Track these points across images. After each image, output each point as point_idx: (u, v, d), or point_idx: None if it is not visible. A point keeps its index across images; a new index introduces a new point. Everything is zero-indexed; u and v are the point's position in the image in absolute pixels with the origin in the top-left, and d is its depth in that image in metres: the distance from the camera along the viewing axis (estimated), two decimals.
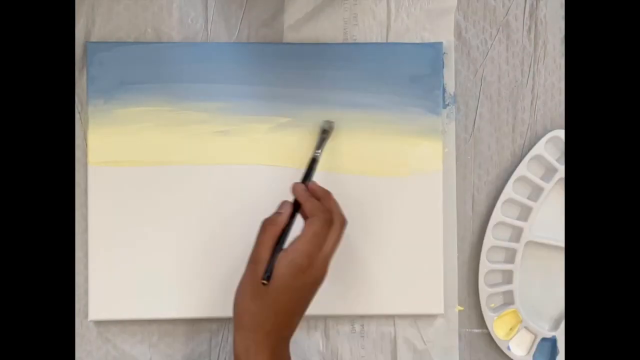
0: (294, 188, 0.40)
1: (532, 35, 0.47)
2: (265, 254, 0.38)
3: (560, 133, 0.46)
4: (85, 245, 0.44)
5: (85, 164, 0.45)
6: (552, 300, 0.46)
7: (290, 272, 0.37)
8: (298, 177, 0.43)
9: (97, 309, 0.44)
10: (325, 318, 0.46)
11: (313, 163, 0.43)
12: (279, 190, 0.45)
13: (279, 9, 0.46)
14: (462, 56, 0.47)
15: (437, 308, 0.46)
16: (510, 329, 0.46)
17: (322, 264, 0.38)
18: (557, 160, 0.46)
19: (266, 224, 0.39)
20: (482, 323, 0.46)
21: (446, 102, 0.46)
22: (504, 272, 0.47)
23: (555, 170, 0.46)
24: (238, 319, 0.38)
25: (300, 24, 0.46)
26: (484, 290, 0.46)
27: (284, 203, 0.40)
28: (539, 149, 0.46)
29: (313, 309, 0.45)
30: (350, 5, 0.46)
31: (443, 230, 0.46)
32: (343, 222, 0.39)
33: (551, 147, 0.46)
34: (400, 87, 0.45)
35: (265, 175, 0.45)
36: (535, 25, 0.47)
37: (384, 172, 0.45)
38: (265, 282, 0.37)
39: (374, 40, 0.46)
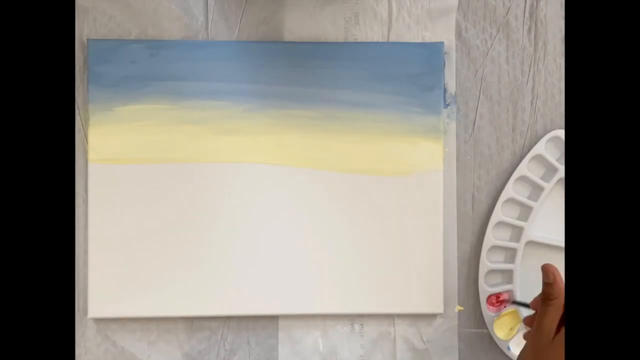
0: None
1: (532, 35, 0.47)
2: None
3: (560, 133, 0.46)
4: (85, 243, 0.44)
5: (86, 162, 0.45)
6: None
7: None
8: (298, 176, 0.44)
9: (96, 306, 0.44)
10: (324, 317, 0.46)
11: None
12: (279, 189, 0.45)
13: (280, 7, 0.46)
14: (462, 56, 0.47)
15: (437, 308, 0.46)
16: (510, 329, 0.46)
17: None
18: (557, 160, 0.46)
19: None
20: (482, 323, 0.46)
21: (447, 102, 0.46)
22: (504, 272, 0.46)
23: (555, 170, 0.46)
24: None
25: (300, 22, 0.46)
26: (484, 290, 0.46)
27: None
28: (539, 149, 0.46)
29: (312, 308, 0.45)
30: (351, 4, 0.46)
31: (443, 230, 0.46)
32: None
33: (551, 147, 0.46)
34: (401, 86, 0.45)
35: (265, 173, 0.45)
36: (535, 25, 0.47)
37: (384, 171, 0.45)
38: None
39: (375, 40, 0.46)
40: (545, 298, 0.39)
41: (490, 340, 0.46)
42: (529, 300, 0.43)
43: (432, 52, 0.46)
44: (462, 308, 0.47)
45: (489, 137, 0.47)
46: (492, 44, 0.47)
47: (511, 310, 0.46)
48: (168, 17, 0.45)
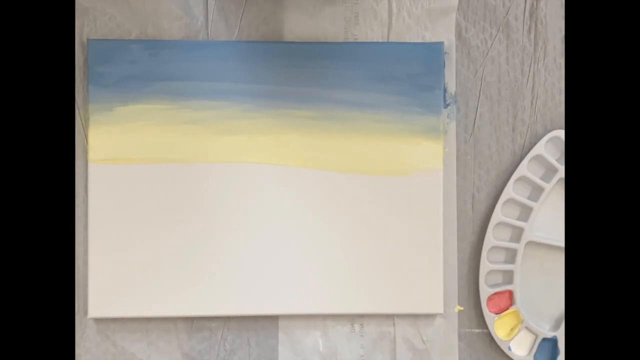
0: None
1: (532, 35, 0.47)
2: None
3: (560, 133, 0.46)
4: (85, 243, 0.45)
5: (86, 162, 0.45)
6: (553, 301, 0.46)
7: None
8: (297, 176, 0.43)
9: (96, 306, 0.44)
10: (324, 317, 0.46)
11: None
12: (279, 189, 0.45)
13: (279, 7, 0.46)
14: (462, 56, 0.47)
15: (437, 308, 0.46)
16: (511, 330, 0.46)
17: None
18: (557, 160, 0.46)
19: None
20: (482, 323, 0.46)
21: (447, 102, 0.46)
22: (504, 272, 0.46)
23: (555, 170, 0.46)
24: None
25: (300, 22, 0.46)
26: (484, 291, 0.46)
27: None
28: (539, 149, 0.46)
29: (312, 308, 0.45)
30: (351, 4, 0.46)
31: (443, 230, 0.46)
32: None
33: (551, 147, 0.46)
34: (401, 86, 0.45)
35: (265, 173, 0.45)
36: (535, 25, 0.47)
37: (384, 171, 0.45)
38: None
39: (374, 40, 0.46)
40: None
41: (490, 340, 0.46)
42: (529, 298, 0.43)
43: (432, 52, 0.46)
44: (462, 308, 0.47)
45: (489, 137, 0.47)
46: (492, 44, 0.47)
47: (512, 310, 0.46)
48: (168, 17, 0.45)
